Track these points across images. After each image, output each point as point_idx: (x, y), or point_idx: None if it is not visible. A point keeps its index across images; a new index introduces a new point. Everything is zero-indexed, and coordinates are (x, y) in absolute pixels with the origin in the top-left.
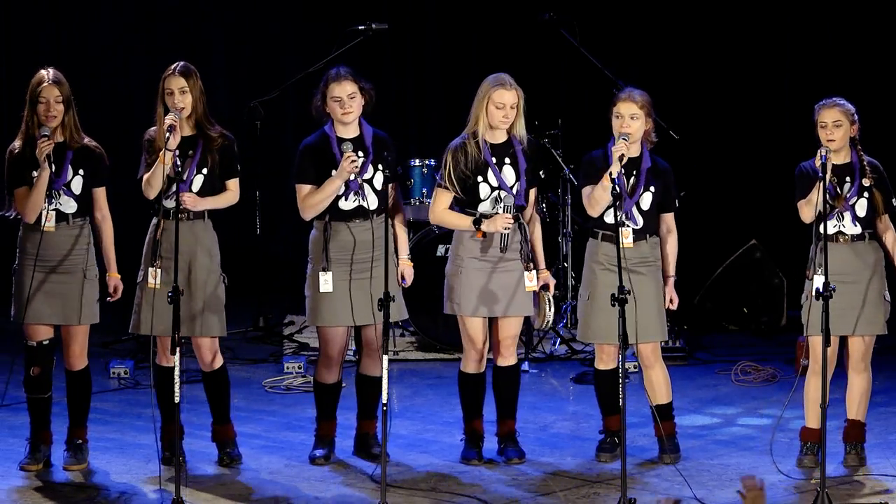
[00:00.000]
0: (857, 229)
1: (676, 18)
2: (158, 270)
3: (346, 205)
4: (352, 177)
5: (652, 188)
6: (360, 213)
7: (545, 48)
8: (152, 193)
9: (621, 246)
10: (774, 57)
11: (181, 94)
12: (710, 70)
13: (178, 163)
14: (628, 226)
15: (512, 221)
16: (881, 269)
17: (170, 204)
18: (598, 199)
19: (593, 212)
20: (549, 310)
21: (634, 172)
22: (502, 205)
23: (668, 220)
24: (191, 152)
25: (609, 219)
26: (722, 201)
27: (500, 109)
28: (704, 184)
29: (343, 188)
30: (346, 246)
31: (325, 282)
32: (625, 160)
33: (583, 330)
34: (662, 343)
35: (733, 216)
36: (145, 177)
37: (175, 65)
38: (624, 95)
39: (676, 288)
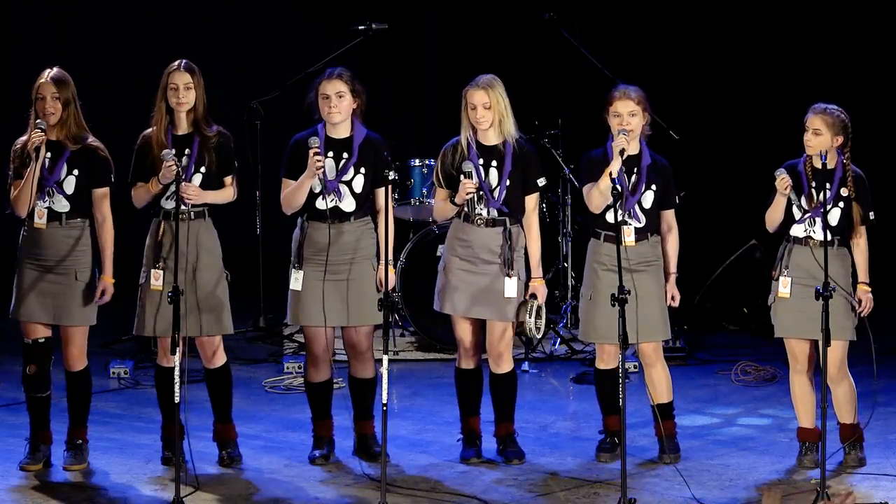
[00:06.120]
0: (827, 236)
1: (676, 18)
2: (161, 272)
3: (323, 205)
4: (329, 176)
5: (653, 186)
6: (336, 214)
7: (545, 48)
8: (137, 205)
9: (623, 245)
10: (774, 57)
11: (185, 90)
12: (710, 70)
13: (178, 163)
14: (630, 224)
15: (474, 187)
16: (846, 278)
17: (169, 205)
18: (599, 193)
19: (595, 208)
20: (530, 318)
21: (635, 170)
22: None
23: (669, 217)
24: (187, 151)
25: (611, 218)
26: (722, 201)
27: (473, 110)
28: (704, 184)
29: (320, 187)
30: (320, 246)
31: (296, 280)
32: (626, 155)
33: (584, 329)
34: (664, 342)
35: (733, 216)
36: (134, 193)
37: (179, 61)
38: (619, 94)
39: (677, 286)
